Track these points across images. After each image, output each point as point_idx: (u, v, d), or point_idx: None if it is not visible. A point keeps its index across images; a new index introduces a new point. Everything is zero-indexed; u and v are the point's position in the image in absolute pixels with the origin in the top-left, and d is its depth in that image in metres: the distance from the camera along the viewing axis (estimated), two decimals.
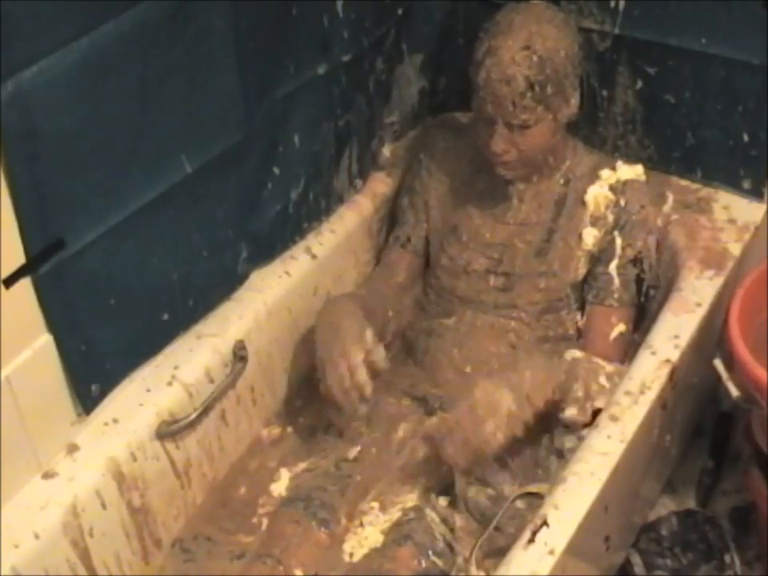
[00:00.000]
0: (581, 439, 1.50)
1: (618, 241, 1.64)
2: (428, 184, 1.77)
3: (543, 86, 1.50)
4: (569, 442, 1.61)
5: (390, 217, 1.91)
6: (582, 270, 1.67)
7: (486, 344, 1.69)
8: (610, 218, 1.64)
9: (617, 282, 1.65)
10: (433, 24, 1.91)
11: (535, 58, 1.49)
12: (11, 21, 1.11)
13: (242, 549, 1.59)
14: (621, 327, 1.65)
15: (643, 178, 1.68)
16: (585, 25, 1.72)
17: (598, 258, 1.66)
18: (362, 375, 1.51)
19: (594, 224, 1.65)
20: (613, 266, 1.65)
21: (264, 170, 1.63)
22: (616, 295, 1.65)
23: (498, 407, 1.45)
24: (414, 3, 1.84)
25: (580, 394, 1.50)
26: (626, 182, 1.65)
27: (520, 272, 1.68)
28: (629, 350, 1.67)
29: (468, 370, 1.69)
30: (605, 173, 1.66)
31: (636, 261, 1.66)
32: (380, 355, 1.54)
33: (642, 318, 1.75)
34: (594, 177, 1.66)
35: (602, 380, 1.52)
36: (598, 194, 1.65)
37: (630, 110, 1.80)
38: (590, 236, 1.65)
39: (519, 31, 1.51)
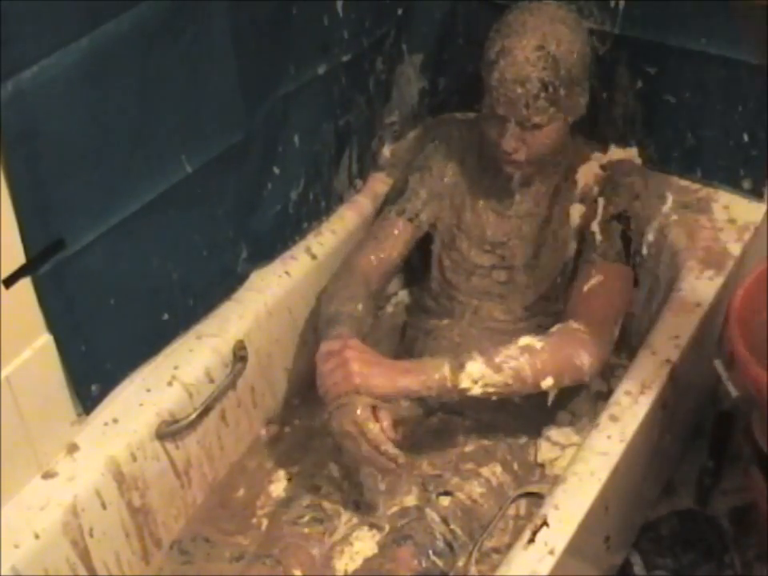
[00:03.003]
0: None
1: (601, 201, 1.61)
2: (441, 169, 1.74)
3: (556, 88, 1.50)
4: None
5: None
6: (572, 249, 1.64)
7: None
8: (596, 188, 1.63)
9: (599, 237, 1.60)
10: (433, 24, 1.90)
11: (549, 59, 1.49)
12: (11, 21, 1.11)
13: (241, 550, 1.59)
14: (598, 278, 1.58)
15: (637, 160, 1.67)
16: (585, 25, 1.72)
17: (583, 224, 1.63)
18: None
19: (582, 200, 1.64)
20: (595, 223, 1.61)
21: (264, 170, 1.63)
22: (600, 250, 1.60)
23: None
24: (414, 3, 1.84)
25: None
26: (615, 161, 1.65)
27: (520, 264, 1.68)
28: (619, 305, 1.59)
29: None
30: (596, 155, 1.67)
31: (620, 218, 1.61)
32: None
33: (642, 316, 1.75)
34: (588, 161, 1.67)
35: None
36: (587, 171, 1.65)
37: (629, 110, 1.80)
38: (576, 212, 1.64)
39: (533, 32, 1.50)
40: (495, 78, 1.51)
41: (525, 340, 1.49)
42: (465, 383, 1.43)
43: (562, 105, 1.52)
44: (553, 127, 1.54)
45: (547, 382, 1.48)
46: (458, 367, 1.43)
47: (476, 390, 1.44)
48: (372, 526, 1.55)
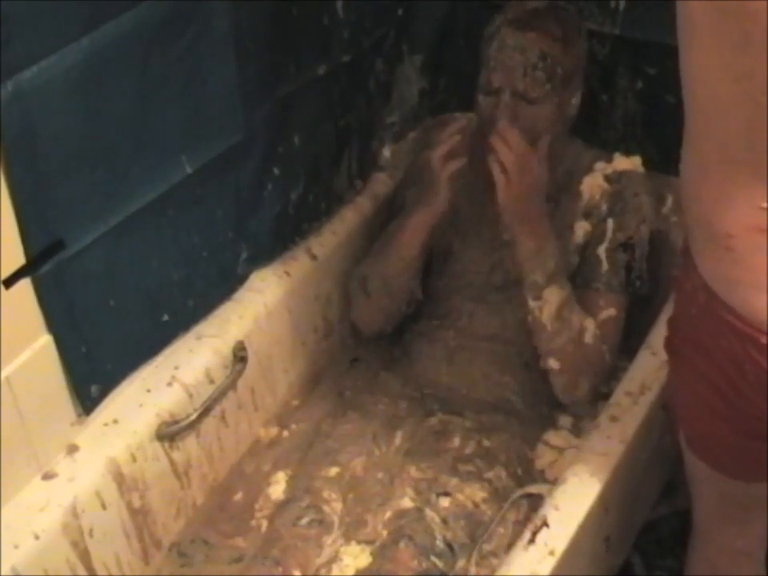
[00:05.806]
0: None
1: (610, 224, 1.60)
2: None
3: (554, 62, 1.50)
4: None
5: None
6: (573, 265, 1.63)
7: (477, 363, 1.68)
8: (604, 206, 1.61)
9: (605, 264, 1.59)
10: (433, 24, 1.91)
11: (550, 32, 1.50)
12: (11, 21, 1.11)
13: (240, 553, 1.58)
14: (610, 311, 1.59)
15: (641, 169, 1.66)
16: (585, 26, 1.72)
17: (587, 243, 1.62)
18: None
19: (587, 216, 1.62)
20: (602, 249, 1.60)
21: (264, 171, 1.63)
22: (604, 279, 1.60)
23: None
24: (414, 3, 1.84)
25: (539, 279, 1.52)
26: (622, 172, 1.63)
27: (516, 273, 1.67)
28: (619, 339, 1.62)
29: (457, 387, 1.70)
30: (600, 165, 1.65)
31: (627, 246, 1.60)
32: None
33: (642, 316, 1.75)
34: (590, 170, 1.65)
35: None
36: (592, 183, 1.63)
37: (630, 110, 1.80)
38: (581, 229, 1.63)
39: (535, 10, 1.53)
40: (495, 47, 1.52)
41: (590, 321, 1.55)
42: (531, 289, 1.53)
43: (556, 86, 1.52)
44: (546, 107, 1.53)
45: (552, 364, 1.54)
46: (547, 281, 1.51)
47: (529, 298, 1.54)
48: (359, 541, 1.53)
